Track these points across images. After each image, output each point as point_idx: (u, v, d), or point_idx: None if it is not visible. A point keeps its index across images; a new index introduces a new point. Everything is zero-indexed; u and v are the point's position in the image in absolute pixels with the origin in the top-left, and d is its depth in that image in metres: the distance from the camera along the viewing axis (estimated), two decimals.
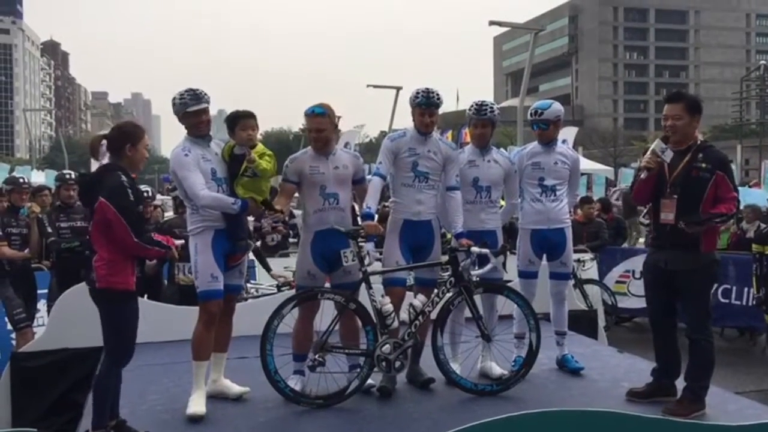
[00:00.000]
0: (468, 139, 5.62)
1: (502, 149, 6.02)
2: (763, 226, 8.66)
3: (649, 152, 4.50)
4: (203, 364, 4.47)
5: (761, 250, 7.63)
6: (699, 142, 4.52)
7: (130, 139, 4.04)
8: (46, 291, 7.67)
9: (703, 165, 4.38)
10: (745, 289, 8.81)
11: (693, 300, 4.45)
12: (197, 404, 4.33)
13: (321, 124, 4.72)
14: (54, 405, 5.60)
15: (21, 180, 7.32)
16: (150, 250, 4.04)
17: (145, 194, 7.75)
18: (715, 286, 9.69)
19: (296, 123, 79.07)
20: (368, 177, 5.14)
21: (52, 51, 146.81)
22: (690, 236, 4.34)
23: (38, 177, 24.42)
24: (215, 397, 4.59)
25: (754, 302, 7.91)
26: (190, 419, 4.24)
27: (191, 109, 4.47)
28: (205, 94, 4.52)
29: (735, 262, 8.60)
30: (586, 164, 22.13)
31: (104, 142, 4.04)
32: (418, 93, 4.93)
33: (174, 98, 4.51)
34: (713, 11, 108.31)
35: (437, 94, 4.92)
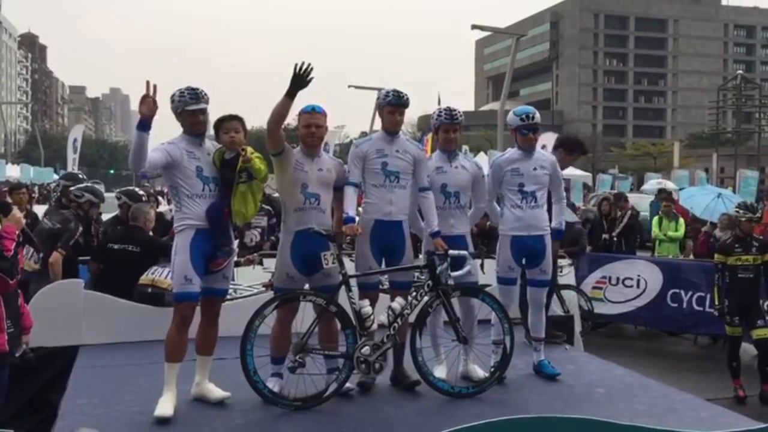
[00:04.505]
0: (429, 146, 5.73)
1: (468, 154, 6.10)
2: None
3: None
4: (175, 365, 4.42)
5: (723, 260, 7.63)
6: None
7: None
8: None
9: None
10: None
11: None
12: (165, 406, 4.28)
13: (320, 120, 4.83)
14: (27, 404, 5.53)
15: None
16: None
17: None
18: (690, 293, 9.83)
19: None
20: None
21: (29, 44, 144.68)
22: None
23: (13, 171, 24.12)
24: (198, 400, 4.57)
25: (716, 313, 7.86)
26: (157, 421, 4.20)
27: (189, 108, 4.49)
28: (205, 94, 4.55)
29: (708, 270, 8.68)
30: (564, 169, 22.25)
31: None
32: (389, 92, 5.07)
33: (173, 95, 4.53)
34: (692, 20, 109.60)
35: (407, 96, 5.08)
